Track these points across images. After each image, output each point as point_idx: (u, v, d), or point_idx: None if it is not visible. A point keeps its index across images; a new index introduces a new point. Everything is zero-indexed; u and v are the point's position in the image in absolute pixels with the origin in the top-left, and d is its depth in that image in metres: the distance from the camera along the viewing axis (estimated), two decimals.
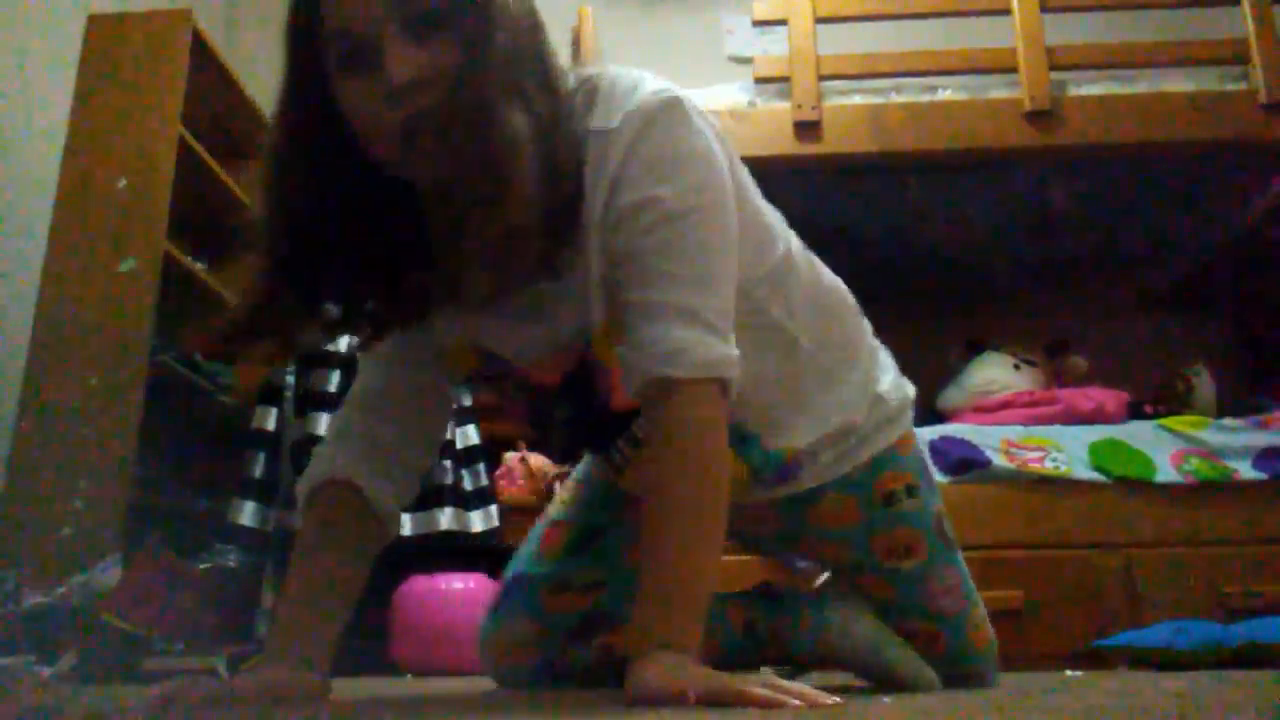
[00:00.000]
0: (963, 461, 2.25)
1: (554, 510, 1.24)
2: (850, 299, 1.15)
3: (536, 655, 1.15)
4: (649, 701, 0.73)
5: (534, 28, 0.87)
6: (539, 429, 1.11)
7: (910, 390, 1.17)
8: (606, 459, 1.09)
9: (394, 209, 0.87)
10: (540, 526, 1.23)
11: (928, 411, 2.73)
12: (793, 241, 1.08)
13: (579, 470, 1.26)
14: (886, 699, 0.89)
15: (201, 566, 2.05)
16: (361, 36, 0.81)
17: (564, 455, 1.17)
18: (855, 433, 1.08)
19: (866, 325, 1.17)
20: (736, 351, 0.87)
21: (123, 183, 2.22)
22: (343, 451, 1.00)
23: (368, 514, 0.99)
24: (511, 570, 1.20)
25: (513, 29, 0.83)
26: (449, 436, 2.28)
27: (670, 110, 0.87)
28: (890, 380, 1.14)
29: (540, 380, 1.02)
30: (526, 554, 1.21)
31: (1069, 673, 1.51)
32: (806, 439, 1.06)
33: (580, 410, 1.03)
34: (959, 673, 1.12)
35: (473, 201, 0.79)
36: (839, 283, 1.14)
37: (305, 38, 0.87)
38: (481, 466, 2.34)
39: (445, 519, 2.23)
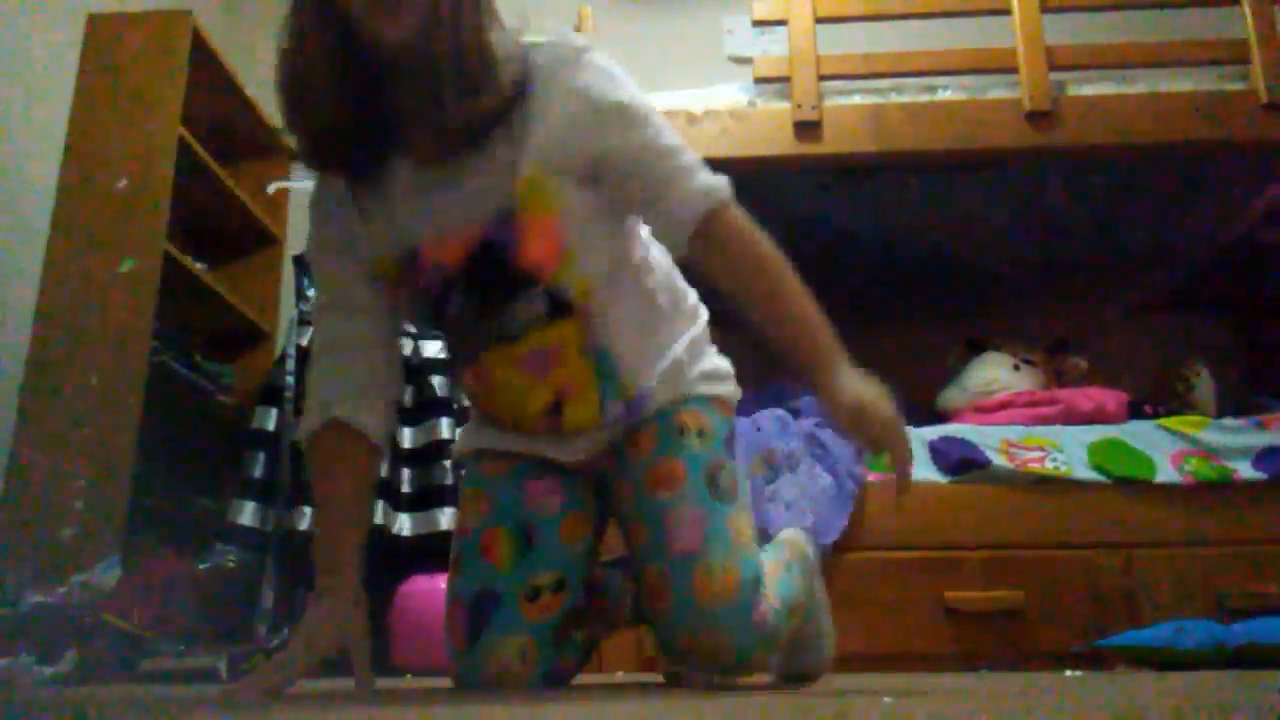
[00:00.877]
0: (963, 461, 2.25)
1: (472, 523, 1.21)
2: (688, 292, 1.32)
3: (534, 669, 1.13)
4: (859, 405, 1.03)
5: None
6: (436, 322, 1.18)
7: (730, 370, 1.30)
8: (501, 333, 1.15)
9: (360, 71, 1.06)
10: (465, 542, 1.20)
11: (928, 411, 2.73)
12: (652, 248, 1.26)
13: (471, 482, 1.26)
14: (887, 699, 0.89)
15: (201, 566, 2.05)
16: None
17: (459, 346, 1.22)
18: (682, 369, 1.22)
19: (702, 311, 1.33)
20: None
21: (123, 183, 2.22)
22: (327, 396, 1.14)
23: (363, 445, 1.15)
24: (465, 592, 1.16)
25: None
26: (449, 436, 2.29)
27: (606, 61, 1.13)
28: (714, 351, 1.31)
29: (442, 260, 1.11)
30: (476, 572, 1.17)
31: (1069, 673, 1.51)
32: (651, 378, 1.20)
33: (480, 284, 1.12)
34: (688, 627, 1.06)
35: (452, 79, 1.01)
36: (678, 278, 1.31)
37: None
38: None
39: (445, 519, 2.23)
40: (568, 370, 1.15)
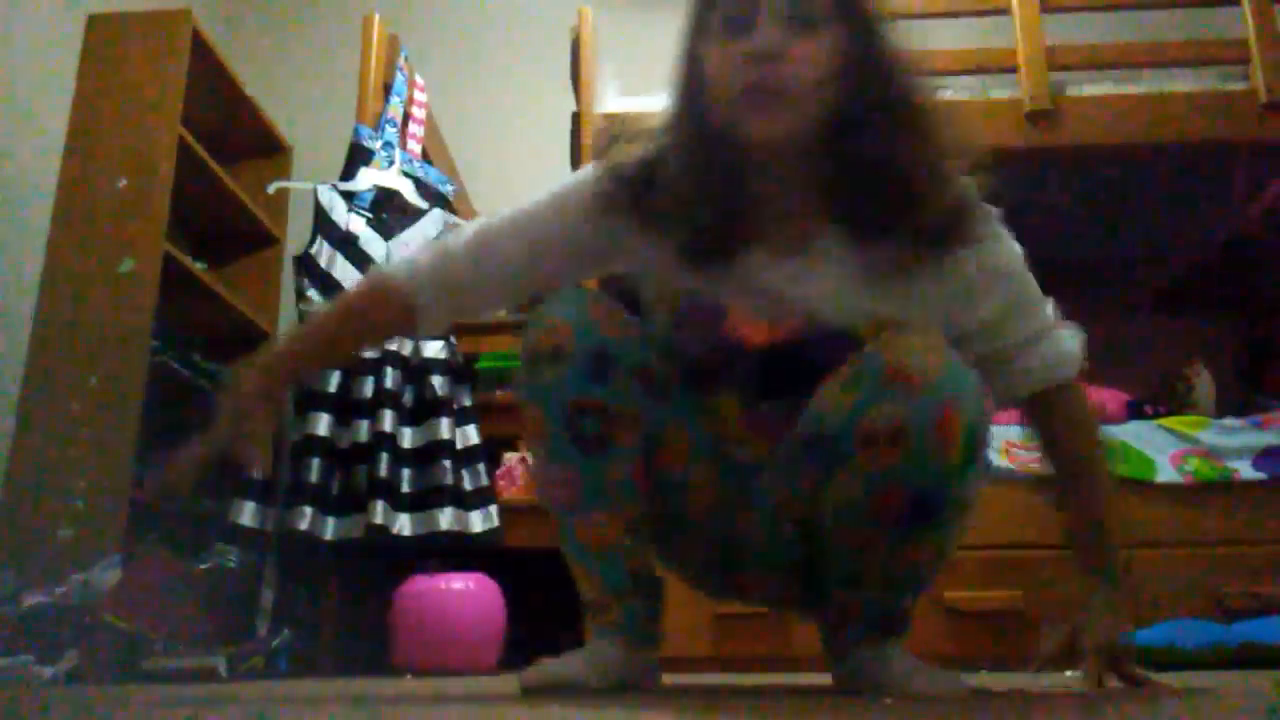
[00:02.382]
0: None
1: None
2: None
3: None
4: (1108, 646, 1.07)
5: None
6: (700, 367, 1.09)
7: None
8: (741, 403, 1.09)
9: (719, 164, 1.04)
10: None
11: None
12: None
13: None
14: (888, 699, 0.89)
15: (201, 566, 2.05)
16: (741, 11, 1.01)
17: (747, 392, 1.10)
18: None
19: None
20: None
21: (123, 183, 2.22)
22: (414, 268, 1.13)
23: (402, 313, 1.13)
24: None
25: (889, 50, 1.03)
26: (449, 436, 2.29)
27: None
28: None
29: (744, 335, 1.07)
30: None
31: (1069, 673, 1.51)
32: None
33: (766, 370, 1.06)
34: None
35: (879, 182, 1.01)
36: None
37: (699, 13, 1.08)
38: (481, 466, 2.34)
39: (445, 519, 2.23)
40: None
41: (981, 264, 1.08)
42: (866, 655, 1.00)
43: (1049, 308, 1.14)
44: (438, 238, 2.16)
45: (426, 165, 2.63)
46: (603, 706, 0.81)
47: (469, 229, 1.15)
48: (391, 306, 1.13)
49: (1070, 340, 1.13)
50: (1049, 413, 1.13)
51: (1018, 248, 1.14)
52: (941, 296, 1.06)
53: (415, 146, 2.63)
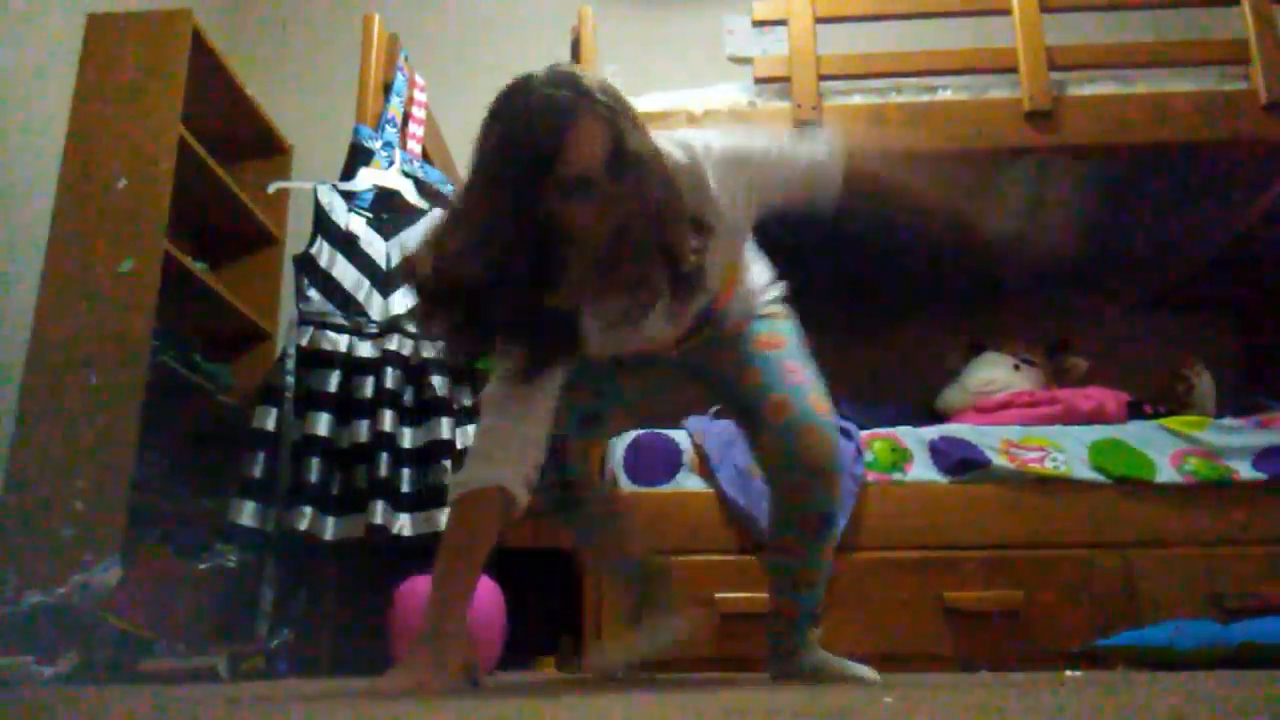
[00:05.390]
0: (963, 461, 2.25)
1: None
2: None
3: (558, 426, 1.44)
4: None
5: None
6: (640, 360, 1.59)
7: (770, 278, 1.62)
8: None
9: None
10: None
11: (928, 411, 2.73)
12: None
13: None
14: (888, 699, 0.89)
15: (201, 566, 2.05)
16: (583, 177, 1.19)
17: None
18: (753, 294, 1.54)
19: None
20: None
21: (123, 183, 2.22)
22: (492, 455, 1.31)
23: (504, 509, 1.30)
24: None
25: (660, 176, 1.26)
26: (449, 436, 2.29)
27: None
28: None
29: (660, 349, 1.50)
30: None
31: (1069, 673, 1.51)
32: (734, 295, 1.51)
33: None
34: (807, 456, 1.38)
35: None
36: None
37: (532, 171, 1.18)
38: None
39: (445, 519, 2.22)
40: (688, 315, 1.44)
41: (728, 167, 1.33)
42: (804, 651, 1.51)
43: (790, 142, 1.41)
44: None
45: (426, 165, 2.63)
46: (606, 702, 0.81)
47: (488, 405, 1.36)
48: (494, 512, 1.29)
49: (813, 143, 1.41)
50: (862, 182, 1.43)
51: (728, 136, 1.37)
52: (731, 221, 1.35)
53: (415, 146, 2.63)
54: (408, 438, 2.28)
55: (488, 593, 2.18)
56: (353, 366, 2.30)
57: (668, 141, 1.32)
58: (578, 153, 1.17)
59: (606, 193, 1.18)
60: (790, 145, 1.40)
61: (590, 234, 1.19)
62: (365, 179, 2.45)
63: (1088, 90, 2.41)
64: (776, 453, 1.39)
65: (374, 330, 2.33)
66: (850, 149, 1.41)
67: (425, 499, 2.24)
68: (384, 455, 2.21)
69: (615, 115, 1.21)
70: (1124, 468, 2.25)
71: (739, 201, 1.35)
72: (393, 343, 2.30)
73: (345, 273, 2.36)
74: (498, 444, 1.31)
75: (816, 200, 1.42)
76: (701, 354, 1.53)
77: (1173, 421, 2.36)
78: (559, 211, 1.19)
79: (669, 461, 2.28)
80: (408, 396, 2.32)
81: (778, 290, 1.61)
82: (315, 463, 2.19)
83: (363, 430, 2.24)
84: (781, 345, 1.50)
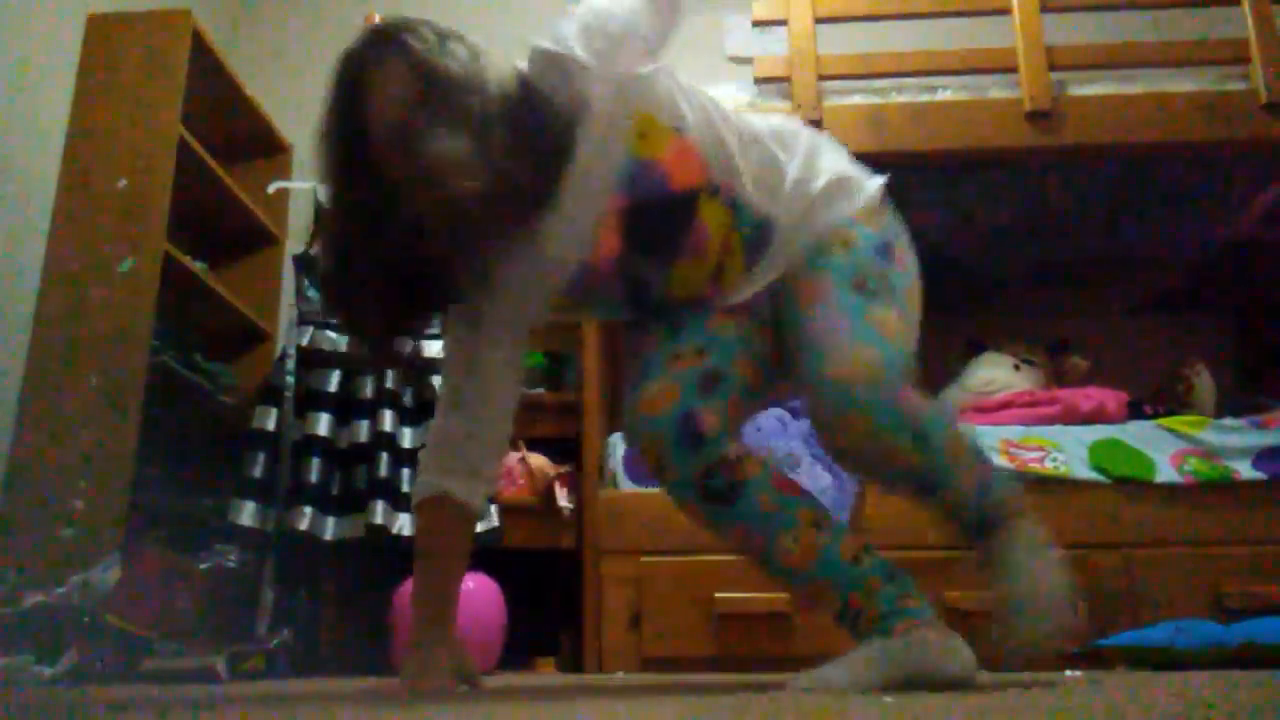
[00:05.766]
0: None
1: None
2: (794, 131, 1.37)
3: (673, 404, 1.16)
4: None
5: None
6: (640, 297, 1.27)
7: (857, 174, 1.34)
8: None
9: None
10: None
11: None
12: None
13: None
14: (888, 699, 0.89)
15: (201, 566, 2.05)
16: (395, 123, 1.11)
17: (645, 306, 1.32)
18: (805, 190, 1.27)
19: (813, 138, 1.37)
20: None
21: (123, 183, 2.22)
22: (443, 463, 1.24)
23: (464, 517, 1.25)
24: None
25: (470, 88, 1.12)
26: None
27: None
28: (831, 160, 1.33)
29: (606, 257, 1.22)
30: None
31: (1069, 673, 1.51)
32: (775, 204, 1.26)
33: (650, 239, 1.22)
34: (843, 419, 1.10)
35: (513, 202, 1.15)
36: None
37: (355, 136, 1.13)
38: None
39: None
40: (717, 238, 1.23)
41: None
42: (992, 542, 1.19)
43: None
44: None
45: None
46: (609, 704, 0.81)
47: (441, 401, 1.29)
48: (454, 517, 1.24)
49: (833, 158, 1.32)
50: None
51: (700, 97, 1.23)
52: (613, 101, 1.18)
53: None
54: (408, 438, 2.28)
55: (488, 592, 2.18)
56: (353, 366, 2.30)
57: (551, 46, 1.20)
58: (381, 98, 1.10)
59: (427, 131, 1.08)
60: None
61: (432, 179, 1.08)
62: None
63: (1088, 90, 2.41)
64: (830, 451, 1.19)
65: None
66: None
67: None
68: (384, 455, 2.21)
69: (423, 50, 1.11)
70: (1124, 468, 2.25)
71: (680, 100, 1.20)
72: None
73: None
74: (447, 447, 1.25)
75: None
76: (770, 301, 1.27)
77: (1173, 421, 2.36)
78: (393, 165, 1.11)
79: None
80: (408, 397, 2.32)
81: (860, 191, 1.30)
82: (315, 463, 2.19)
83: (363, 430, 2.24)
84: (821, 296, 1.19)
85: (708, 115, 1.23)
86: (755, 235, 1.25)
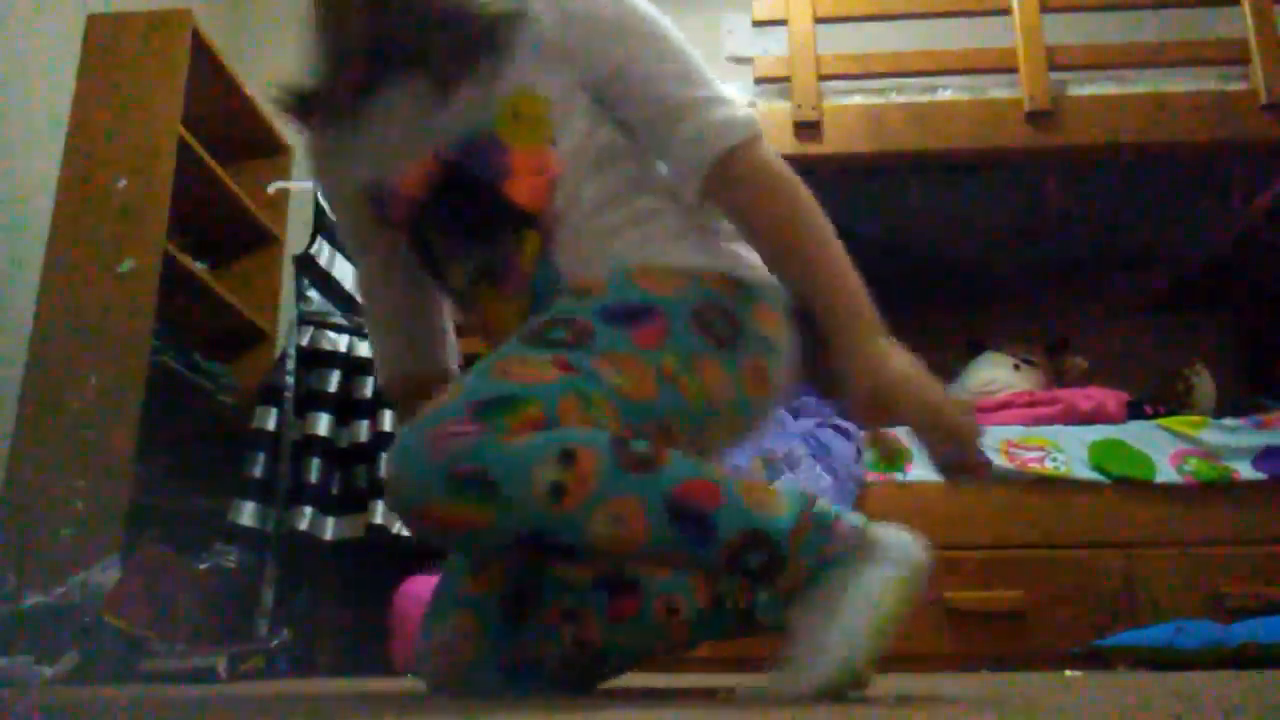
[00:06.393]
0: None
1: None
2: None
3: (473, 648, 1.02)
4: (895, 383, 0.90)
5: None
6: (427, 266, 1.11)
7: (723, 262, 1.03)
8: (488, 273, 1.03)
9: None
10: None
11: None
12: None
13: None
14: (886, 699, 0.89)
15: (201, 566, 2.05)
16: None
17: (452, 290, 1.11)
18: (597, 227, 1.01)
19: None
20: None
21: (123, 183, 2.22)
22: (391, 353, 1.19)
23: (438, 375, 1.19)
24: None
25: None
26: None
27: None
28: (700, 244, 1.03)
29: (409, 194, 1.03)
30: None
31: (1069, 673, 1.51)
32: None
33: (458, 221, 1.04)
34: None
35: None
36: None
37: None
38: None
39: None
40: (525, 288, 1.02)
41: (584, 15, 1.00)
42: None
43: (705, 83, 1.01)
44: None
45: None
46: (596, 713, 0.81)
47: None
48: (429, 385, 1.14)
49: (729, 108, 1.00)
50: (724, 187, 0.98)
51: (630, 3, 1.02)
52: (543, 62, 0.99)
53: None
54: None
55: None
56: (353, 366, 2.30)
57: None
58: None
59: None
60: (689, 71, 1.01)
61: None
62: None
63: (1088, 90, 2.41)
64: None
65: None
66: (755, 136, 0.99)
67: None
68: (384, 455, 2.21)
69: None
70: (1124, 468, 2.25)
71: (571, 85, 1.00)
72: None
73: (345, 273, 2.36)
74: (380, 332, 1.22)
75: (675, 177, 1.02)
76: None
77: (1173, 421, 2.36)
78: None
79: None
80: None
81: (682, 251, 1.00)
82: (315, 463, 2.19)
83: (363, 430, 2.24)
84: (528, 333, 0.92)
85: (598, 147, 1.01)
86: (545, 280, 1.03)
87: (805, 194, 0.98)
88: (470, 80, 0.99)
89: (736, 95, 2.46)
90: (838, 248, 0.97)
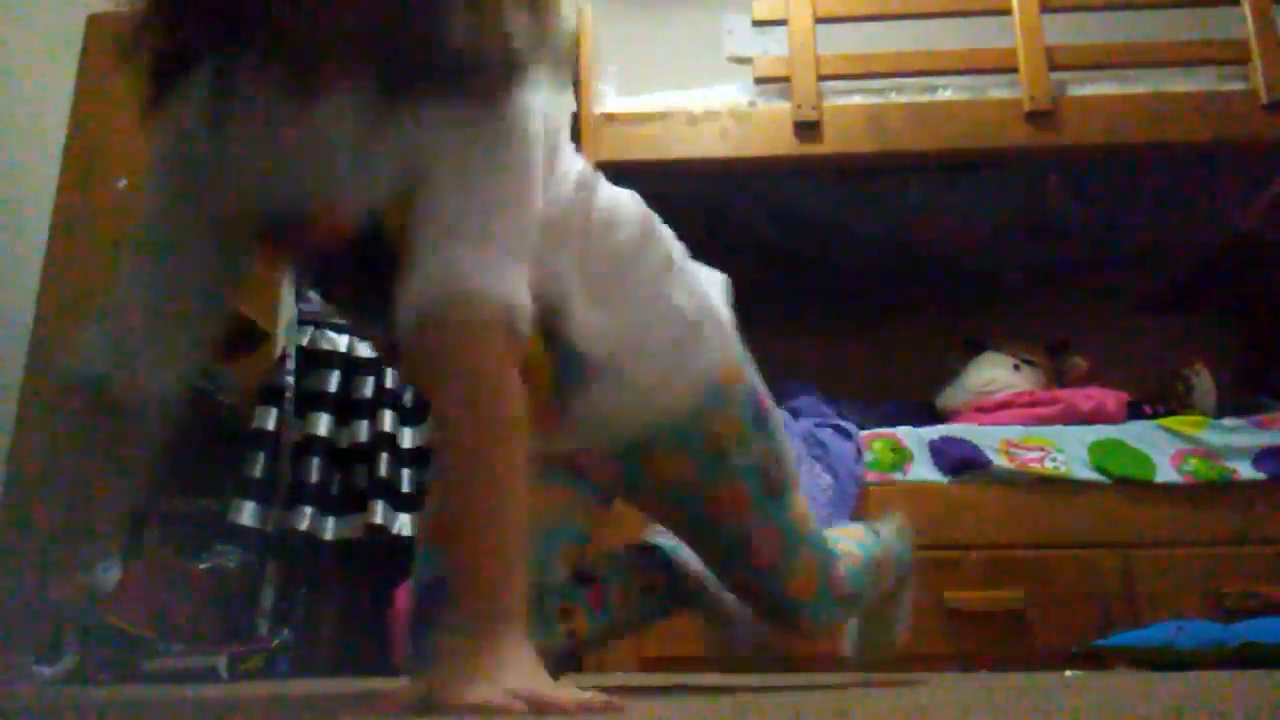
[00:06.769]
0: (963, 461, 2.25)
1: None
2: (647, 221, 1.04)
3: None
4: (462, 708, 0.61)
5: None
6: (348, 310, 1.00)
7: (722, 312, 1.07)
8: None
9: None
10: None
11: (928, 411, 2.73)
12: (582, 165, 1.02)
13: None
14: (888, 699, 0.89)
15: (201, 566, 2.05)
16: None
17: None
18: (656, 350, 0.99)
19: (671, 246, 1.05)
20: (526, 288, 0.77)
21: (123, 183, 2.22)
22: (101, 346, 0.91)
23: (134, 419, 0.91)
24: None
25: None
26: None
27: None
28: (690, 295, 1.02)
29: (324, 242, 0.87)
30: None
31: (1069, 673, 1.51)
32: (602, 343, 0.96)
33: (374, 268, 0.84)
34: (781, 614, 1.16)
35: None
36: (637, 206, 1.05)
37: None
38: None
39: None
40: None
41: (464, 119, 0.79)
42: None
43: (498, 215, 0.78)
44: None
45: None
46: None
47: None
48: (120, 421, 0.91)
49: (491, 271, 0.75)
50: (421, 359, 0.76)
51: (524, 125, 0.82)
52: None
53: None
54: (408, 438, 2.29)
55: None
56: (353, 366, 2.30)
57: None
58: None
59: None
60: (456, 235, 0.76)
61: None
62: None
63: (1088, 90, 2.41)
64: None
65: None
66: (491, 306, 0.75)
67: (425, 499, 2.25)
68: (384, 455, 2.21)
69: None
70: (1124, 468, 2.25)
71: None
72: None
73: None
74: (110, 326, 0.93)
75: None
76: (618, 473, 1.11)
77: (1173, 421, 2.36)
78: None
79: None
80: (407, 396, 2.32)
81: (719, 331, 1.04)
82: (315, 463, 2.19)
83: (363, 430, 2.24)
84: (739, 510, 1.07)
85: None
86: (567, 365, 0.95)
87: (511, 413, 0.74)
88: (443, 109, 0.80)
89: (737, 95, 2.49)
90: (517, 511, 0.72)
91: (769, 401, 1.10)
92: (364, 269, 0.86)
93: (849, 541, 1.25)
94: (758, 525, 1.07)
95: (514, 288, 0.76)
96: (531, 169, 0.82)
